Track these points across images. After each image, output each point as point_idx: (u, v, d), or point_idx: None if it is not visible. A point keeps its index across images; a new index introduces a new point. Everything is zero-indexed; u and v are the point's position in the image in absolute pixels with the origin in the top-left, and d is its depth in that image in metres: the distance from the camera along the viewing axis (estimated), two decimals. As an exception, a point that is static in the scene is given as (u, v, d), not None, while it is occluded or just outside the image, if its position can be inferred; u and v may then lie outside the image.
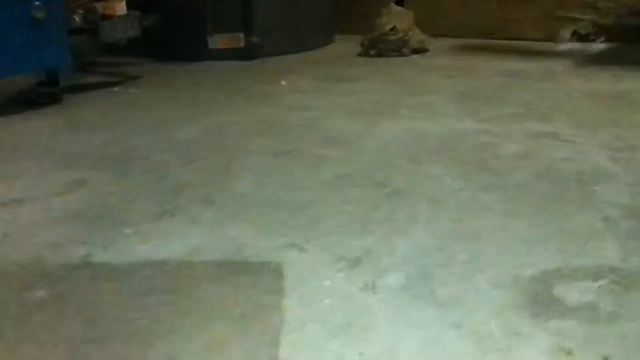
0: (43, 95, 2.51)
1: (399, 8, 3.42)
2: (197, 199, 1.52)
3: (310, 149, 1.86)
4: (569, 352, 0.90)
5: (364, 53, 3.36)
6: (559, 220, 1.33)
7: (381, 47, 3.30)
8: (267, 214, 1.42)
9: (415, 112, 2.22)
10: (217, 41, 3.34)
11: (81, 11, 2.73)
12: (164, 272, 1.17)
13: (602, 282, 1.08)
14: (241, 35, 3.33)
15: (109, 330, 1.00)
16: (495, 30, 3.60)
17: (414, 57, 3.28)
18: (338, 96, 2.49)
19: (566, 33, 3.38)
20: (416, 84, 2.68)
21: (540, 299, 1.04)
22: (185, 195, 1.55)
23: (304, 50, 3.50)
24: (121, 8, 2.79)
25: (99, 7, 2.77)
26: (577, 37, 3.37)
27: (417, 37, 3.35)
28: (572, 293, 1.05)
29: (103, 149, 1.95)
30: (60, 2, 2.47)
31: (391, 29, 3.29)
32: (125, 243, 1.30)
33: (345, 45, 3.56)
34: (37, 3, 2.29)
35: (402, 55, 3.29)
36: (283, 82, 2.78)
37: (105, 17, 2.78)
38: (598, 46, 3.26)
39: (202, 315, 1.03)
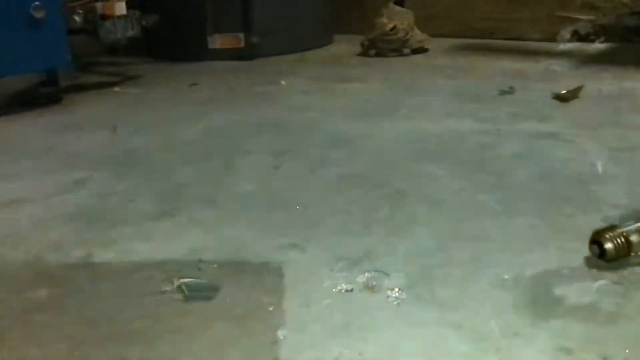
0: (43, 95, 2.51)
1: (399, 8, 3.42)
2: (197, 199, 1.52)
3: (310, 149, 1.86)
4: (569, 352, 0.90)
5: (364, 53, 3.36)
6: (559, 220, 1.33)
7: (381, 47, 3.30)
8: (267, 214, 1.42)
9: (415, 112, 2.22)
10: (217, 41, 3.34)
11: (81, 11, 2.73)
12: (164, 272, 1.17)
13: (602, 282, 1.08)
14: (241, 35, 3.33)
15: (109, 330, 1.00)
16: (495, 30, 3.60)
17: (414, 57, 3.28)
18: (338, 96, 2.49)
19: (566, 33, 3.37)
20: (416, 84, 2.68)
21: (540, 299, 1.04)
22: (185, 195, 1.55)
23: (304, 50, 3.49)
24: (121, 8, 2.79)
25: (99, 7, 2.76)
26: (577, 37, 3.37)
27: (417, 37, 3.34)
28: (572, 293, 1.05)
29: (103, 149, 1.95)
30: (60, 2, 2.47)
31: (391, 29, 3.28)
32: (125, 243, 1.30)
33: (345, 45, 3.56)
34: (37, 3, 2.30)
35: (402, 55, 3.29)
36: (283, 82, 2.78)
37: (105, 17, 2.77)
38: (598, 46, 3.26)
39: (202, 315, 1.04)
